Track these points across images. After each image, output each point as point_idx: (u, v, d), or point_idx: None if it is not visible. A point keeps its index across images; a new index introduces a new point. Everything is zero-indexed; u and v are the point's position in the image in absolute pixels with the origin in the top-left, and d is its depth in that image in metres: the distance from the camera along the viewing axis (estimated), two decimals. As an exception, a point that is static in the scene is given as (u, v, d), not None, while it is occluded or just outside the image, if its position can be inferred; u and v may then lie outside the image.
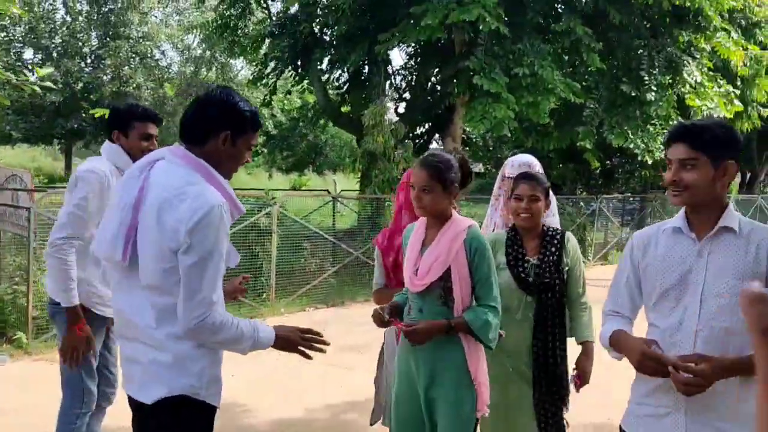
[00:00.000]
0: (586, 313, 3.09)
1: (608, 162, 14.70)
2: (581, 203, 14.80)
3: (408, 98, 13.79)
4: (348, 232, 11.06)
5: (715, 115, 12.27)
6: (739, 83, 13.81)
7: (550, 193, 3.12)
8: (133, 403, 2.13)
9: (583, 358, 3.06)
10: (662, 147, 12.64)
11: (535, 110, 10.80)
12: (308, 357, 2.25)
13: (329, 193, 12.32)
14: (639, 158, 12.84)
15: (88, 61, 25.51)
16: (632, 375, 2.19)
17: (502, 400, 2.92)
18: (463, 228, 2.57)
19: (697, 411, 1.95)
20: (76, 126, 24.45)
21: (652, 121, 12.58)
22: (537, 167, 3.36)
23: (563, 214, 12.44)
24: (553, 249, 3.01)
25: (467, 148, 17.01)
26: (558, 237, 3.05)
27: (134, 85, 24.16)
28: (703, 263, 1.99)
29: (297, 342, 2.22)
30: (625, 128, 12.25)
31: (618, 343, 2.10)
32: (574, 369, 3.07)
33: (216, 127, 2.11)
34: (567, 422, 3.08)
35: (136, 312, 2.07)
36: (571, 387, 3.05)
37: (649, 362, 1.92)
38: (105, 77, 24.52)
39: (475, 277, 2.56)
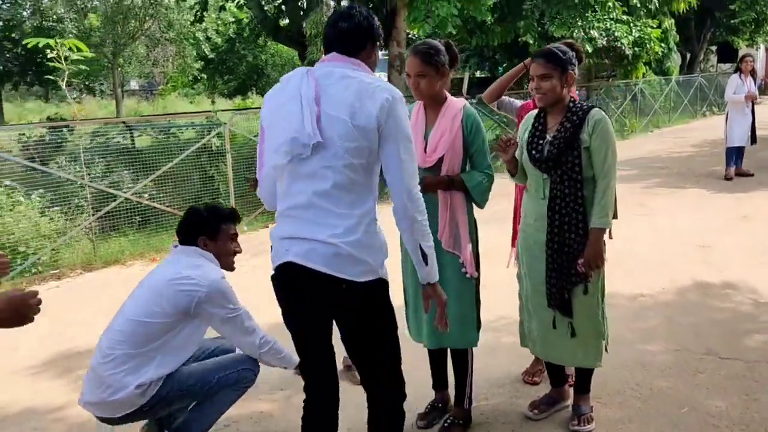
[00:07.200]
0: (603, 198, 2.79)
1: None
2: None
3: (347, 3, 13.44)
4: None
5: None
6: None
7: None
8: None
9: (587, 245, 2.81)
10: (603, 33, 12.73)
11: (476, 6, 10.68)
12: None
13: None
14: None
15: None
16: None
17: (529, 274, 3.01)
18: (459, 108, 2.90)
19: None
20: (2, 68, 23.17)
21: (591, 8, 12.60)
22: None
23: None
24: (569, 125, 2.81)
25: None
26: (580, 113, 2.82)
27: (55, 18, 22.85)
28: None
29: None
30: (566, 17, 12.27)
31: None
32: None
33: (365, 41, 2.31)
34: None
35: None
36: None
37: None
38: (25, 13, 23.10)
39: (471, 148, 2.90)
